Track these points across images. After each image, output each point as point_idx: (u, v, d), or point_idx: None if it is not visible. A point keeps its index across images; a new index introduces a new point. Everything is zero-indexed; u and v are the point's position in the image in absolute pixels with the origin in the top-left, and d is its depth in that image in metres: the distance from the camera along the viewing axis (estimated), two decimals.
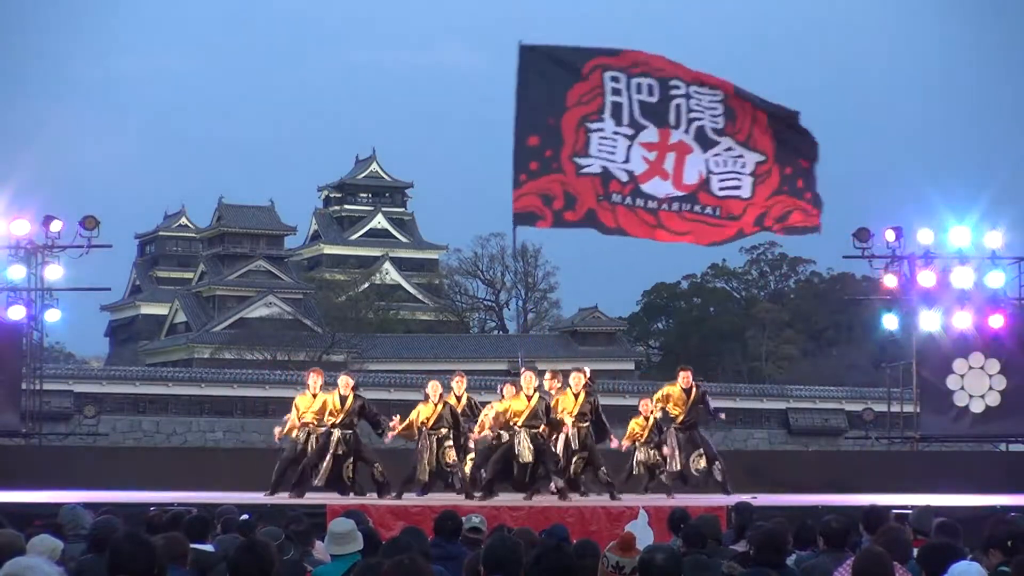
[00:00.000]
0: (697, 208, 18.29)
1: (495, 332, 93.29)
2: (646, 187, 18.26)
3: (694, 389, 20.73)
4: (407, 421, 19.40)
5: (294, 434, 19.65)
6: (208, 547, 9.19)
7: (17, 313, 25.04)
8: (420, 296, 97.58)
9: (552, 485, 18.88)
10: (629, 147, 18.21)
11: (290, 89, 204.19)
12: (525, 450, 18.71)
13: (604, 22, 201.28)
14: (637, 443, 20.90)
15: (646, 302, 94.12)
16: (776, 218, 18.63)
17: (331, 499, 18.25)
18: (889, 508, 13.58)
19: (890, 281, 27.04)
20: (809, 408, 59.94)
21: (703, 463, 20.31)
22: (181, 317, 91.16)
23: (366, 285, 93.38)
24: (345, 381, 19.57)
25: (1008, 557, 8.16)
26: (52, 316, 26.46)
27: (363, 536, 9.02)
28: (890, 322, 27.89)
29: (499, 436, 19.00)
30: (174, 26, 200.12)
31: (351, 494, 18.98)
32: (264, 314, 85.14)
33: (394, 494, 19.05)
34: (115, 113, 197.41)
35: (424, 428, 19.20)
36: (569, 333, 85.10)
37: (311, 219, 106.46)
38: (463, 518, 10.59)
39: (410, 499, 18.82)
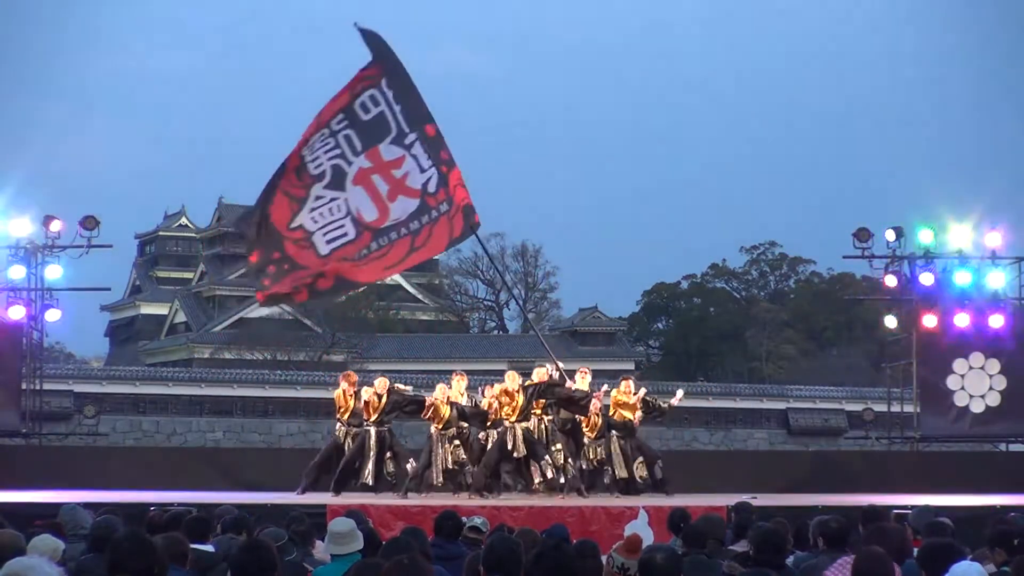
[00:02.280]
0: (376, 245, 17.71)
1: (495, 332, 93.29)
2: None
3: (635, 398, 20.84)
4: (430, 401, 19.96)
5: (337, 429, 20.57)
6: (208, 547, 9.19)
7: (17, 313, 25.06)
8: (420, 296, 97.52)
9: (538, 476, 19.39)
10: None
11: (290, 89, 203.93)
12: (520, 444, 19.38)
13: (605, 22, 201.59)
14: (587, 439, 20.95)
15: (646, 302, 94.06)
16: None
17: (331, 499, 18.30)
18: (889, 508, 13.59)
19: (890, 281, 27.05)
20: (809, 408, 59.87)
21: (645, 470, 20.49)
22: (181, 317, 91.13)
23: (366, 285, 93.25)
24: (383, 382, 20.27)
25: (1011, 556, 8.18)
26: (52, 316, 26.46)
27: (363, 536, 9.02)
28: (890, 322, 27.90)
29: (488, 435, 19.88)
30: (174, 26, 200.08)
31: (392, 492, 19.60)
32: (264, 314, 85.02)
33: (399, 493, 19.51)
34: (115, 113, 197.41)
35: (436, 430, 19.80)
36: (569, 333, 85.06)
37: None
38: (464, 518, 10.60)
39: (411, 499, 18.88)
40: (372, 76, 17.77)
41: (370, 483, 19.68)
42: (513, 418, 19.46)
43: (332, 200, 17.52)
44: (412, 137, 17.76)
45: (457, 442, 19.77)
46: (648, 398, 21.20)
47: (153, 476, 21.29)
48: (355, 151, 17.57)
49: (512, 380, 19.74)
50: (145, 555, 5.95)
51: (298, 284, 17.65)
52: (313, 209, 17.52)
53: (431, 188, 17.77)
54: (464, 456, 19.76)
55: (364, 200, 17.57)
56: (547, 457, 19.42)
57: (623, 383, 21.18)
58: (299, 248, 17.57)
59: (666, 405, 21.44)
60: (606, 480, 20.51)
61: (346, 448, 20.24)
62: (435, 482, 19.64)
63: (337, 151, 17.56)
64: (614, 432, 20.63)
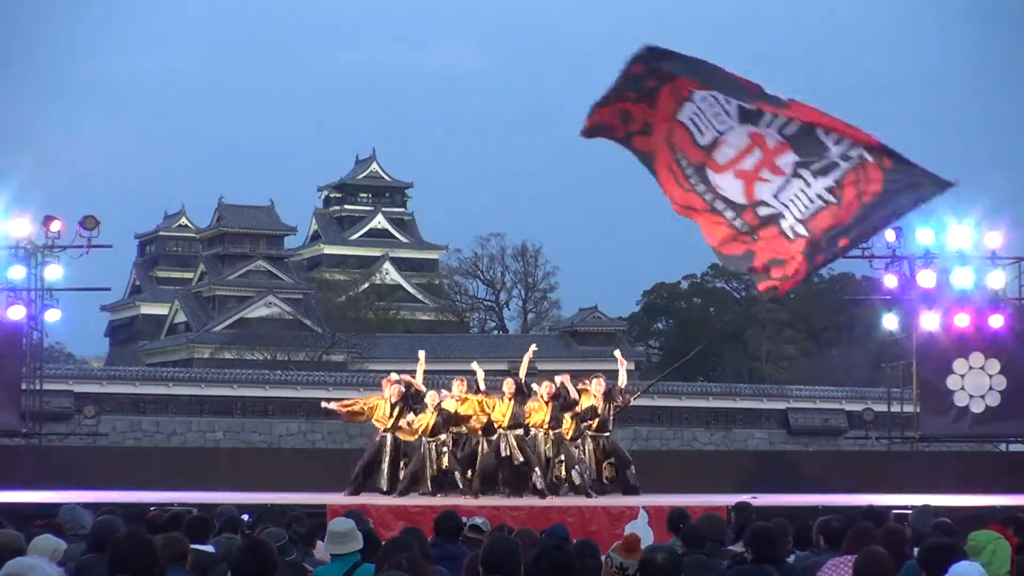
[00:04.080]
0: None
1: (495, 332, 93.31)
2: (714, 176, 15.75)
3: (603, 395, 20.78)
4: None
5: (378, 437, 20.40)
6: (208, 547, 9.19)
7: (17, 313, 25.04)
8: (420, 296, 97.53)
9: (533, 485, 19.38)
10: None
11: (290, 89, 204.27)
12: (512, 451, 19.39)
13: (605, 20, 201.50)
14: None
15: (646, 302, 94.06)
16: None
17: (331, 499, 18.30)
18: (889, 508, 13.59)
19: (890, 281, 27.05)
20: (809, 408, 59.88)
21: (612, 471, 20.45)
22: (181, 317, 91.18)
23: (366, 285, 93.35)
24: (433, 396, 20.10)
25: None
26: (52, 316, 26.47)
27: (363, 536, 9.01)
28: (890, 322, 27.90)
29: (479, 441, 19.89)
30: (173, 26, 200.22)
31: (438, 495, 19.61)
32: (264, 314, 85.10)
33: (396, 493, 19.53)
34: (115, 113, 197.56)
35: (424, 436, 19.81)
36: (569, 333, 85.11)
37: (311, 219, 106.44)
38: (464, 519, 10.60)
39: (411, 499, 18.89)
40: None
41: (384, 488, 19.74)
42: (504, 424, 19.51)
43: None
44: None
45: (445, 449, 19.79)
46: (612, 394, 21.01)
47: (153, 476, 21.28)
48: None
49: (508, 387, 19.69)
50: (145, 555, 5.96)
51: (627, 114, 15.84)
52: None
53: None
54: (450, 463, 19.73)
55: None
56: (538, 467, 19.42)
57: (593, 380, 21.09)
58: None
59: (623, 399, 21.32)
60: (576, 480, 20.43)
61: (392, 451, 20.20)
62: (423, 489, 19.65)
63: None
64: (589, 433, 20.60)
